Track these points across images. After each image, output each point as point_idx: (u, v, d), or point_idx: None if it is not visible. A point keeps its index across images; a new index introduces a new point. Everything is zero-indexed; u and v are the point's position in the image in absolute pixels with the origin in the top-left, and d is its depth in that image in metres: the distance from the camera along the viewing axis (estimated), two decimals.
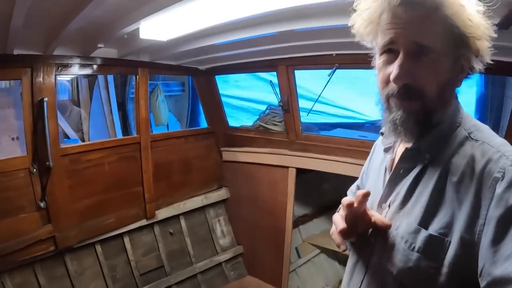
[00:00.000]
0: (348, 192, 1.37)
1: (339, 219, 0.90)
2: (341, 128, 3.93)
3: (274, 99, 3.28)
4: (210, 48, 2.50)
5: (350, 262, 1.04)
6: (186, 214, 3.36)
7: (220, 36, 2.24)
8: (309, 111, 3.02)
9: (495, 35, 0.77)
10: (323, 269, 3.66)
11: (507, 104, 2.65)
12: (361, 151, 2.77)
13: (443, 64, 0.78)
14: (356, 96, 4.23)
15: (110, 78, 4.48)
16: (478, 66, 0.81)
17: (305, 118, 3.13)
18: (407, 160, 0.89)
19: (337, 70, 2.69)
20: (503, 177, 0.72)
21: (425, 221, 0.81)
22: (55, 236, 2.48)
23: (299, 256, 3.59)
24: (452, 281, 0.77)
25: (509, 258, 0.68)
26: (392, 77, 0.79)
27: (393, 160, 0.98)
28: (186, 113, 5.21)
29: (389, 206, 0.92)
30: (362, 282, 0.96)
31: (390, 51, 0.81)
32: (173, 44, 2.47)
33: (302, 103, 3.09)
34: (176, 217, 3.29)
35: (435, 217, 0.80)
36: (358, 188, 1.29)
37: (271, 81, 3.12)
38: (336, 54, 2.54)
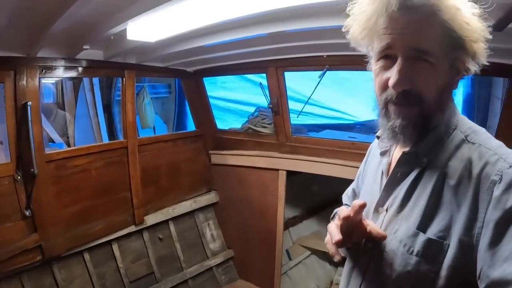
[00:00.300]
0: (344, 196, 1.37)
1: (334, 229, 0.89)
2: (329, 129, 3.97)
3: (262, 100, 3.28)
4: (199, 50, 2.48)
5: (347, 267, 1.04)
6: (175, 219, 3.33)
7: (209, 37, 2.24)
8: (299, 113, 3.03)
9: (490, 37, 0.78)
10: (314, 271, 3.69)
11: (493, 104, 2.73)
12: (352, 152, 2.81)
13: (441, 68, 0.78)
14: (343, 96, 4.29)
15: (96, 80, 4.40)
16: (474, 67, 0.82)
17: (294, 119, 3.14)
18: (404, 164, 0.89)
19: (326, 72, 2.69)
20: (500, 179, 0.73)
21: (423, 224, 0.82)
22: (42, 245, 2.41)
23: (290, 258, 3.61)
24: (451, 284, 0.78)
25: (507, 260, 0.69)
26: (391, 83, 0.79)
27: (389, 163, 0.98)
28: (173, 116, 5.19)
29: (386, 210, 0.92)
30: (360, 287, 0.96)
31: (387, 56, 0.81)
32: (161, 46, 2.44)
33: (290, 105, 3.10)
34: (165, 222, 3.26)
35: (434, 221, 0.81)
36: (354, 191, 1.29)
37: (260, 83, 3.12)
38: (327, 56, 2.55)
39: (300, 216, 3.88)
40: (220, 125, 3.72)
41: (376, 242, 0.89)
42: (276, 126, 3.17)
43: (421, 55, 0.77)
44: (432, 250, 0.80)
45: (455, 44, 0.77)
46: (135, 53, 2.77)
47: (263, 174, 3.27)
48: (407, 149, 0.88)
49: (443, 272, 0.78)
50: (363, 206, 0.82)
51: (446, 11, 0.75)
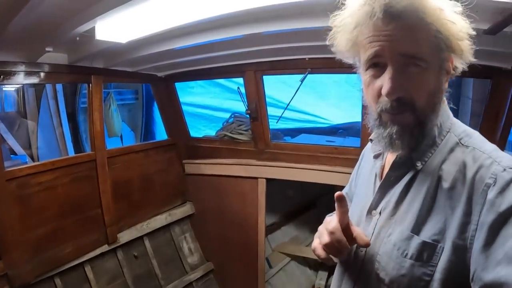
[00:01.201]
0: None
1: (324, 232, 0.90)
2: (305, 133, 4.01)
3: (235, 105, 3.26)
4: (171, 53, 2.42)
5: (338, 271, 1.05)
6: (150, 234, 3.22)
7: (182, 39, 2.17)
8: (279, 118, 3.03)
9: (474, 33, 0.80)
10: (295, 277, 3.73)
11: (464, 104, 2.88)
12: (334, 157, 2.87)
13: (431, 71, 0.80)
14: (315, 100, 4.36)
15: (59, 86, 4.17)
16: (461, 66, 0.85)
17: (271, 125, 3.13)
18: (398, 167, 0.92)
19: (300, 75, 2.71)
20: (494, 183, 0.75)
21: (417, 227, 0.84)
22: (8, 273, 2.22)
23: (270, 266, 3.63)
24: (445, 287, 0.80)
25: (500, 263, 0.71)
26: (384, 91, 0.80)
27: (383, 166, 1.01)
28: (141, 123, 5.05)
29: (380, 213, 0.94)
30: None
31: (376, 65, 0.82)
32: (131, 48, 2.33)
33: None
34: (139, 238, 3.13)
35: (428, 224, 0.83)
36: (347, 196, 1.28)
37: (238, 88, 3.07)
38: (309, 58, 2.55)
39: (278, 223, 3.91)
40: (192, 132, 3.64)
41: (370, 245, 0.90)
42: (254, 132, 3.15)
43: (411, 61, 0.78)
44: (427, 253, 0.81)
45: (442, 44, 0.79)
46: (103, 57, 2.62)
47: (241, 183, 3.24)
48: (400, 152, 0.89)
49: (438, 275, 0.80)
50: (340, 198, 0.85)
51: (431, 14, 0.76)
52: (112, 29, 1.86)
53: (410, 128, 0.83)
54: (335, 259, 1.01)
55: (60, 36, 1.93)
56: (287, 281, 3.65)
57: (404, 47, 0.77)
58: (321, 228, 0.94)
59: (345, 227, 0.87)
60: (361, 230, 0.91)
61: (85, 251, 2.71)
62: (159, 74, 3.23)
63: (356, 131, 3.64)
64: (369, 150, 1.09)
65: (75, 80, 3.11)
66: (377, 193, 0.96)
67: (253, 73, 2.88)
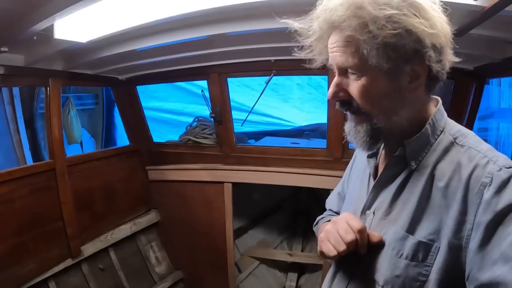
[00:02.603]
0: (327, 201, 1.46)
1: (348, 230, 0.92)
2: (269, 136, 4.15)
3: (198, 109, 3.31)
4: (132, 54, 2.41)
5: (330, 272, 1.10)
6: (115, 245, 3.21)
7: (143, 40, 2.18)
8: (244, 120, 3.14)
9: (431, 31, 0.80)
10: (265, 280, 3.85)
11: None
12: (301, 159, 3.00)
13: (374, 79, 0.85)
14: (278, 103, 4.53)
15: (16, 91, 4.03)
16: (439, 69, 0.85)
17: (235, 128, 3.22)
18: (392, 167, 0.96)
19: (265, 77, 2.80)
20: (490, 182, 0.78)
21: (412, 227, 0.87)
22: None
23: (239, 271, 3.71)
24: (440, 287, 0.83)
25: (497, 262, 0.74)
26: (327, 95, 0.94)
27: (377, 166, 1.06)
28: (101, 129, 4.98)
29: (373, 213, 0.98)
30: None
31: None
32: (91, 49, 2.32)
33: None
34: (104, 250, 3.12)
35: (423, 223, 0.86)
36: (340, 195, 1.36)
37: (202, 91, 3.13)
38: (275, 60, 2.63)
39: (245, 227, 4.01)
40: (154, 137, 3.65)
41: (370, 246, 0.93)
42: (218, 136, 3.23)
43: (348, 71, 0.88)
44: (422, 253, 0.84)
45: (390, 51, 0.81)
46: (62, 58, 2.56)
47: (207, 188, 3.29)
48: (395, 152, 0.94)
49: (433, 275, 0.83)
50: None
51: (372, 22, 0.79)
52: (71, 28, 1.83)
53: (363, 126, 0.92)
54: (330, 260, 1.09)
55: (16, 34, 1.85)
56: (257, 285, 3.76)
57: (340, 60, 0.87)
58: (343, 225, 0.93)
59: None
60: None
61: (48, 267, 2.67)
62: (121, 77, 3.20)
63: (321, 133, 3.83)
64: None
65: (32, 83, 3.02)
66: (371, 193, 1.00)
67: (217, 75, 2.93)
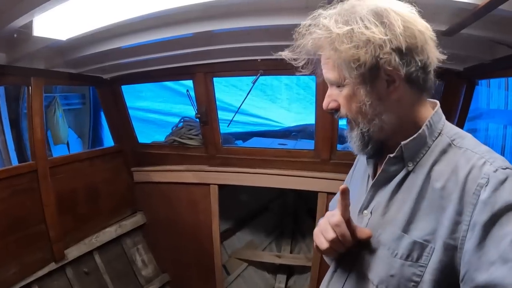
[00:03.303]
0: (330, 204, 1.45)
1: (327, 227, 0.96)
2: (256, 136, 4.18)
3: (185, 110, 3.31)
4: (116, 52, 2.42)
5: (329, 272, 1.13)
6: (100, 248, 3.21)
7: (127, 37, 2.17)
8: (230, 121, 3.17)
9: (386, 37, 0.84)
10: (253, 282, 3.90)
11: None
12: (287, 161, 3.03)
13: (353, 89, 0.92)
14: (266, 103, 4.56)
15: (1, 90, 4.02)
16: (414, 69, 0.88)
17: (222, 129, 3.24)
18: (390, 168, 0.98)
19: (252, 77, 2.81)
20: (487, 183, 0.80)
21: (408, 227, 0.90)
22: None
23: (228, 274, 3.76)
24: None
25: (494, 263, 0.75)
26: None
27: (376, 167, 1.09)
28: (88, 129, 4.97)
29: (371, 213, 1.01)
30: None
31: None
32: (73, 47, 2.32)
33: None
34: (89, 253, 3.13)
35: (419, 224, 0.89)
36: None
37: (187, 91, 3.14)
38: (261, 60, 2.65)
39: (232, 228, 4.06)
40: (141, 138, 3.65)
41: (360, 245, 0.97)
42: (204, 137, 3.24)
43: (335, 84, 0.96)
44: (417, 253, 0.87)
45: (356, 62, 0.87)
46: (44, 57, 2.53)
47: (192, 190, 3.31)
48: (393, 153, 0.97)
49: (427, 276, 0.85)
50: (344, 190, 0.94)
51: (336, 40, 0.87)
52: (51, 25, 1.81)
53: (355, 133, 0.98)
54: (328, 260, 1.15)
55: None
56: (246, 287, 3.81)
57: (327, 75, 0.96)
58: (322, 223, 1.00)
59: (347, 222, 0.94)
60: None
61: (31, 271, 2.66)
62: (105, 76, 3.19)
63: (309, 134, 3.87)
64: None
65: (13, 82, 3.01)
66: (369, 192, 1.03)
67: (203, 75, 2.94)
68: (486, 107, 4.15)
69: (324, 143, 2.91)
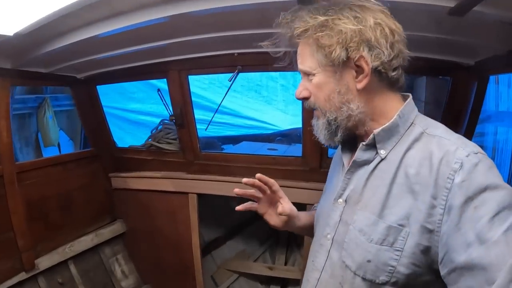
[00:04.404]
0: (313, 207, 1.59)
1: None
2: (246, 141, 4.05)
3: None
4: (82, 46, 2.17)
5: (308, 260, 1.21)
6: (75, 258, 3.18)
7: (91, 27, 1.88)
8: (208, 123, 3.03)
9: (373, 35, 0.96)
10: None
11: (418, 107, 2.98)
12: (271, 169, 2.86)
13: (323, 78, 1.02)
14: (260, 104, 4.42)
15: None
16: (383, 61, 0.97)
17: (204, 132, 3.15)
18: (363, 155, 1.06)
19: (239, 75, 2.66)
20: (461, 167, 0.86)
21: (383, 213, 0.96)
22: None
23: (216, 285, 3.66)
24: (412, 271, 0.92)
25: (472, 244, 0.80)
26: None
27: (351, 156, 1.15)
28: (80, 131, 5.03)
29: (345, 200, 1.09)
30: (318, 281, 1.11)
31: None
32: (33, 43, 2.13)
33: (198, 115, 3.04)
34: (63, 263, 3.09)
35: (393, 209, 0.95)
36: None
37: (158, 89, 3.02)
38: (238, 54, 2.49)
39: (222, 237, 3.95)
40: (130, 141, 3.58)
41: (335, 233, 1.07)
42: (181, 141, 3.13)
43: (307, 73, 1.05)
44: (393, 237, 0.93)
45: (327, 50, 0.98)
46: (7, 55, 2.43)
47: (171, 198, 3.21)
48: (365, 141, 1.05)
49: (404, 260, 0.92)
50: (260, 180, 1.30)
51: (311, 29, 0.98)
52: None
53: (322, 122, 1.07)
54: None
55: None
56: None
57: (300, 66, 1.06)
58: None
59: (274, 190, 1.33)
60: (328, 218, 1.11)
61: (0, 280, 2.66)
62: (79, 76, 3.10)
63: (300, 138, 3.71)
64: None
65: None
66: (343, 181, 1.11)
67: (177, 72, 2.80)
68: (494, 109, 3.74)
69: (313, 150, 2.75)
